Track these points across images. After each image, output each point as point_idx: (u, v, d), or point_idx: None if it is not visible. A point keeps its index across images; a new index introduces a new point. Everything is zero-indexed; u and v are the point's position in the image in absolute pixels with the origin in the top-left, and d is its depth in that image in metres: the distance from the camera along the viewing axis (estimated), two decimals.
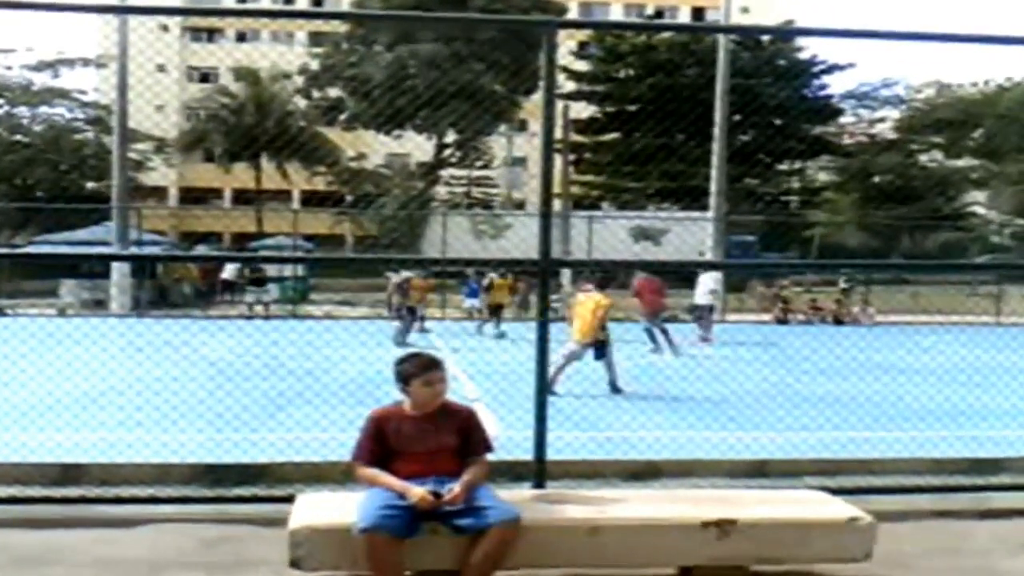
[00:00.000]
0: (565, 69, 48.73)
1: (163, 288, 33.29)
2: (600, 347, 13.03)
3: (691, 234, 33.97)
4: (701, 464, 7.77)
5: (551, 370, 12.04)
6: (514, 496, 5.16)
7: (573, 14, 60.64)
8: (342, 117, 49.04)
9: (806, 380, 12.52)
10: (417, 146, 49.80)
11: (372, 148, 51.61)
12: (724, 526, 4.90)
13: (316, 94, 50.21)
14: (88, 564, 5.35)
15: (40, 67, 48.43)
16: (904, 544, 5.65)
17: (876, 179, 55.40)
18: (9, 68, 48.31)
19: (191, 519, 6.05)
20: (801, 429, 9.55)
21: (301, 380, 11.85)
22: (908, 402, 10.59)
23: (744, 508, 5.14)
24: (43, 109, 49.97)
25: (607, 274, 15.09)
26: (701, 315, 21.57)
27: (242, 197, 56.16)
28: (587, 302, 13.20)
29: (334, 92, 49.61)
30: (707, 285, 21.63)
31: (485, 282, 24.68)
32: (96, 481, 6.93)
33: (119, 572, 5.29)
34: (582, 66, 54.53)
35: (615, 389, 12.75)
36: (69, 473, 7.10)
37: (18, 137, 48.42)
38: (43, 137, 48.28)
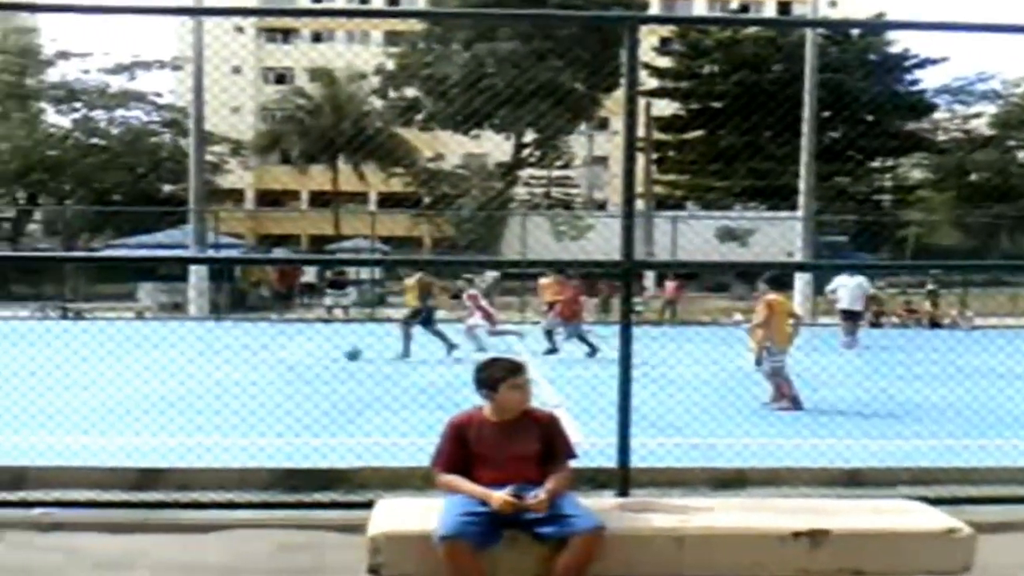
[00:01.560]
0: (647, 65, 48.37)
1: (241, 291, 33.72)
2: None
3: (780, 234, 33.30)
4: (791, 472, 7.53)
5: (771, 389, 11.70)
6: (597, 504, 5.05)
7: (655, 9, 60.19)
8: (419, 117, 49.25)
9: (900, 385, 12.11)
10: (496, 146, 49.81)
11: (449, 148, 51.77)
12: (815, 537, 4.79)
13: (392, 94, 50.51)
14: (166, 569, 5.34)
15: (116, 70, 49.11)
16: (1003, 556, 5.42)
17: (972, 176, 53.95)
18: (86, 71, 49.12)
19: (270, 524, 6.03)
20: (895, 437, 9.27)
21: (380, 384, 11.80)
22: (1009, 408, 10.18)
23: (836, 518, 5.01)
24: (120, 112, 50.67)
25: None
26: (850, 319, 21.10)
27: (319, 199, 56.77)
28: (782, 304, 12.44)
29: (411, 92, 49.87)
30: (854, 289, 21.07)
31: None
32: (175, 486, 6.94)
33: None
34: (665, 62, 54.07)
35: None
36: (148, 477, 7.13)
37: (95, 140, 49.27)
38: (120, 140, 49.10)
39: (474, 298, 19.37)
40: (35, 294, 32.18)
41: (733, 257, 35.94)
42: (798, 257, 30.78)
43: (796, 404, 11.52)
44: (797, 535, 4.78)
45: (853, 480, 7.40)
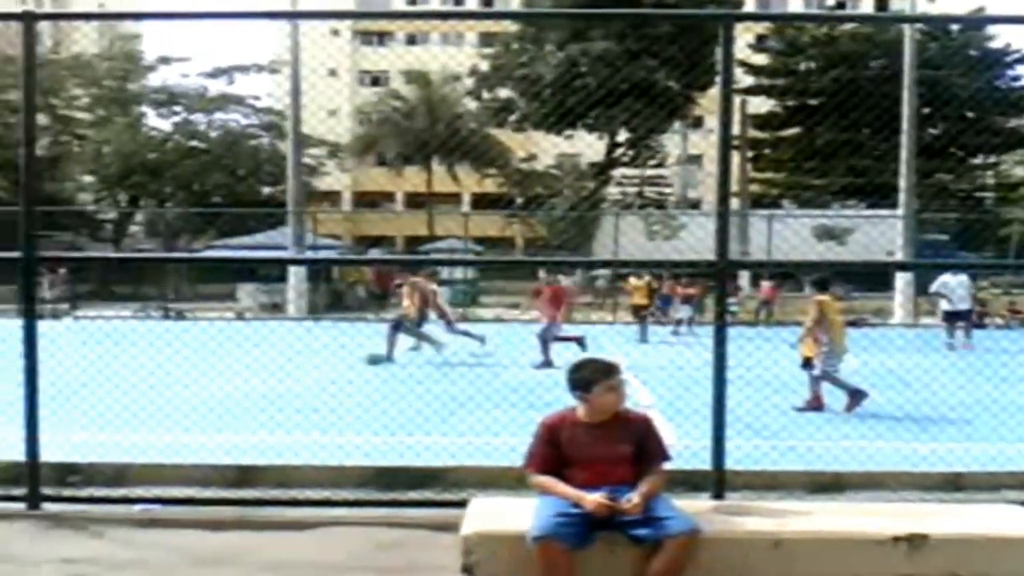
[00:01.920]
0: (743, 63, 47.70)
1: (338, 291, 34.17)
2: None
3: (879, 233, 32.45)
4: (890, 476, 7.38)
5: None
6: (692, 507, 5.00)
7: (750, 6, 59.27)
8: (512, 118, 49.30)
9: (1004, 388, 11.73)
10: (588, 145, 49.61)
11: (542, 149, 51.79)
12: (915, 541, 4.72)
13: (486, 95, 50.67)
14: (264, 567, 5.41)
15: (215, 74, 50.05)
16: None
17: None
18: (186, 76, 50.21)
19: (365, 522, 6.08)
20: (999, 440, 8.94)
21: (473, 383, 11.86)
22: None
23: (936, 522, 4.93)
24: (218, 115, 51.58)
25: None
26: (962, 320, 20.61)
27: (414, 200, 57.31)
28: (832, 306, 12.15)
29: (504, 93, 49.96)
30: (957, 288, 20.55)
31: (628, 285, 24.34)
32: (272, 483, 7.07)
33: (293, 574, 5.34)
34: (760, 59, 53.32)
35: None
36: (246, 475, 7.27)
37: (195, 143, 50.18)
38: (219, 143, 49.98)
39: (420, 294, 17.87)
40: (137, 294, 33.09)
41: (831, 256, 35.18)
42: (899, 256, 30.05)
43: (818, 405, 11.49)
44: (896, 539, 4.70)
45: (954, 484, 7.23)
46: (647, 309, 23.50)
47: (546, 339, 16.38)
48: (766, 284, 29.67)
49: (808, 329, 11.96)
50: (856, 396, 11.37)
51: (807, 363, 11.90)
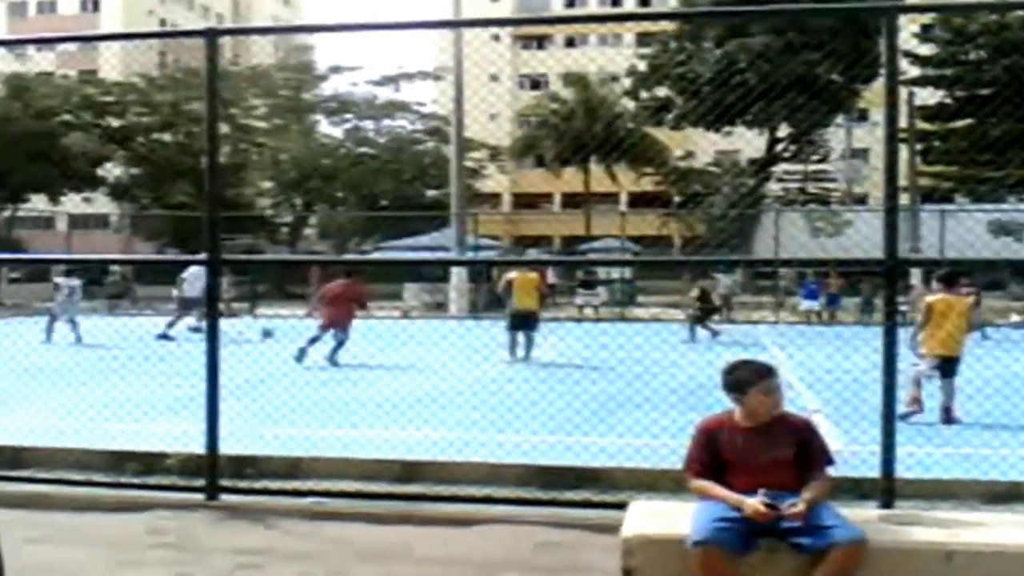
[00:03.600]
0: (908, 53, 46.04)
1: (497, 291, 34.50)
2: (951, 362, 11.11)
3: None
4: None
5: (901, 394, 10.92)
6: (859, 515, 4.85)
7: None
8: (670, 116, 48.93)
9: None
10: (747, 142, 48.78)
11: (701, 147, 51.20)
12: None
13: (644, 95, 50.43)
14: (425, 561, 5.54)
15: (383, 82, 51.43)
16: None
17: None
18: (355, 85, 51.86)
19: (524, 521, 6.14)
20: None
21: (631, 384, 11.80)
22: None
23: None
24: (386, 122, 53.13)
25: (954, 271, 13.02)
26: None
27: (571, 200, 57.53)
28: (950, 306, 11.23)
29: (662, 92, 49.62)
30: None
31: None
32: (435, 479, 7.21)
33: (456, 571, 5.45)
34: (927, 50, 51.32)
35: (948, 418, 10.65)
36: (411, 470, 7.45)
37: (364, 149, 51.76)
38: (387, 148, 51.33)
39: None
40: (309, 294, 34.18)
41: (1008, 253, 33.47)
42: None
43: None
44: None
45: None
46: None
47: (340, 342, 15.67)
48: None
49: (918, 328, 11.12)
50: (915, 404, 10.50)
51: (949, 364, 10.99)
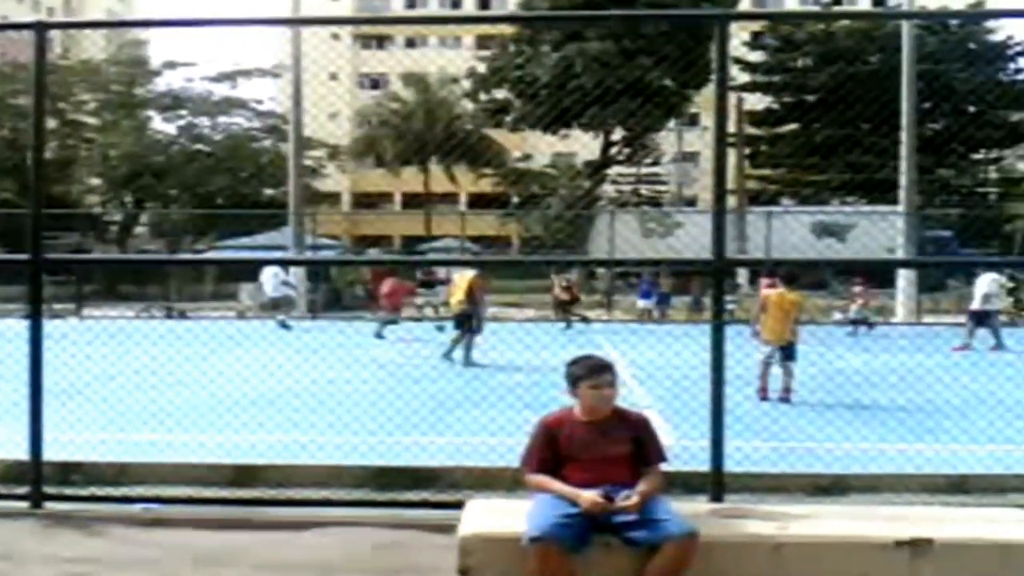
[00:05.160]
0: (738, 60, 47.70)
1: (337, 291, 34.14)
2: (790, 349, 12.44)
3: (880, 230, 32.14)
4: (893, 479, 7.35)
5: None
6: (691, 509, 4.98)
7: (745, 5, 59.14)
8: (508, 119, 49.41)
9: (1010, 387, 11.58)
10: (583, 145, 49.73)
11: (539, 149, 51.91)
12: (919, 546, 4.64)
13: (483, 97, 50.78)
14: (261, 566, 5.41)
15: (219, 78, 50.22)
16: None
17: None
18: (190, 80, 50.47)
19: (363, 523, 6.07)
20: (1005, 442, 8.73)
21: (469, 383, 11.83)
22: None
23: (941, 526, 4.86)
24: (222, 119, 51.97)
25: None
26: (987, 320, 20.08)
27: (412, 200, 57.45)
28: (779, 298, 12.74)
29: (501, 94, 50.07)
30: (984, 288, 20.19)
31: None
32: (270, 483, 7.08)
33: (293, 575, 5.35)
34: (756, 56, 53.29)
35: (786, 398, 12.03)
36: (244, 474, 7.28)
37: (199, 146, 50.58)
38: (223, 146, 50.34)
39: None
40: (141, 294, 33.07)
41: (831, 254, 34.97)
42: (899, 253, 29.79)
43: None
44: (899, 544, 4.64)
45: (960, 487, 7.17)
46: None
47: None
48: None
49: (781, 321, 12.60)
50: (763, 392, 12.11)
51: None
